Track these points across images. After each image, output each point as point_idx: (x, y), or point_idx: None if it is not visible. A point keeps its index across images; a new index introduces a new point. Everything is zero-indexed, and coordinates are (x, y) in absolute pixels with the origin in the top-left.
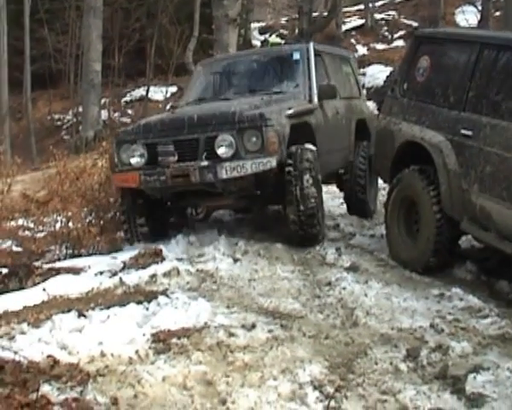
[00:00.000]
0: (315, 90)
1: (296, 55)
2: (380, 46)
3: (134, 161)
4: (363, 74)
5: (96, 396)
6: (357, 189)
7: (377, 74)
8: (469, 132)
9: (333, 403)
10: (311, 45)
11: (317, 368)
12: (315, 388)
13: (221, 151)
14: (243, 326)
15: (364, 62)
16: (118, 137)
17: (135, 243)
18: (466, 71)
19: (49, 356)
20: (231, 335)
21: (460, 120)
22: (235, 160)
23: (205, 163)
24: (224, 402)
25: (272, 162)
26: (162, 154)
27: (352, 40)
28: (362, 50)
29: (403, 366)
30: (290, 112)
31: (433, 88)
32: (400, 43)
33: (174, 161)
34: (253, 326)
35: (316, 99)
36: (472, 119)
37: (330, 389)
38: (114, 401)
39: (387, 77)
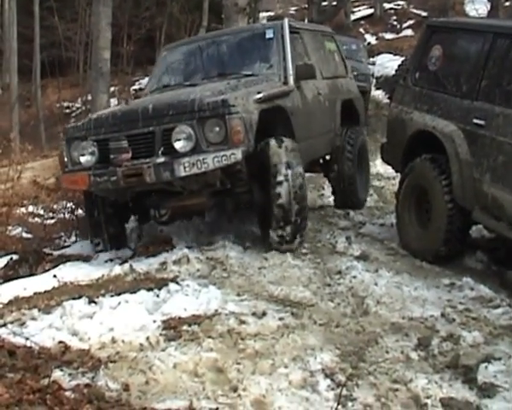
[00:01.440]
0: (291, 71)
1: (269, 34)
2: (389, 36)
3: (84, 159)
4: (373, 63)
5: (107, 382)
6: (345, 177)
7: (386, 63)
8: (482, 122)
9: (344, 391)
10: (286, 22)
11: (328, 356)
12: (326, 376)
13: (179, 145)
14: (254, 314)
15: (373, 52)
16: (67, 134)
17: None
18: (479, 60)
19: (60, 342)
20: (242, 322)
21: (472, 110)
22: (195, 154)
23: (161, 160)
24: (235, 389)
25: (237, 155)
26: (114, 151)
27: (361, 29)
28: (371, 40)
29: (414, 355)
30: (259, 96)
31: (446, 77)
32: (409, 32)
33: (128, 158)
34: (264, 314)
35: (292, 81)
36: (484, 108)
37: (341, 378)
38: (126, 388)
39: (399, 66)
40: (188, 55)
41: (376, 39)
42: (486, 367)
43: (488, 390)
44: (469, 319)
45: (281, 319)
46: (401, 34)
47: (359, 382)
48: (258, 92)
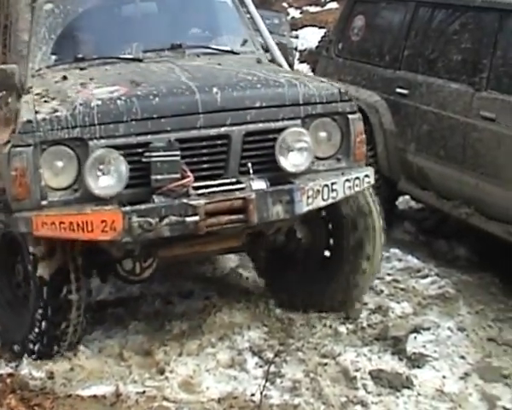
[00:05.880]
0: (277, 52)
1: None
2: (313, 9)
3: (105, 184)
4: (296, 37)
5: (31, 371)
6: None
7: (310, 37)
8: (405, 91)
9: (272, 368)
10: None
11: (256, 334)
12: (254, 353)
13: (294, 160)
14: (180, 294)
15: (297, 25)
16: (39, 133)
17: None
18: (401, 29)
19: None
20: (168, 303)
21: (395, 79)
22: (313, 175)
23: (261, 185)
24: (162, 372)
25: (371, 178)
26: (160, 168)
27: (285, 4)
28: (294, 13)
29: (342, 329)
30: None
31: (369, 47)
32: (334, 5)
33: (191, 182)
34: (190, 294)
35: (286, 65)
36: (407, 77)
37: (270, 355)
38: (50, 375)
39: (322, 37)
40: (93, 12)
41: (300, 13)
42: (415, 338)
43: (417, 360)
44: (398, 290)
45: (207, 298)
46: (326, 7)
47: (288, 358)
48: (322, 81)
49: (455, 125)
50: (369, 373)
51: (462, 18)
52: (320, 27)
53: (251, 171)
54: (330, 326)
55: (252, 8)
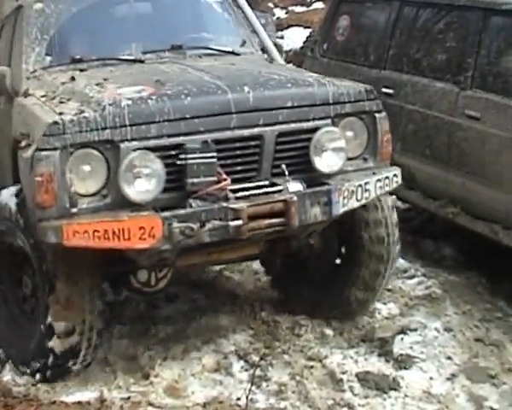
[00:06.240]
0: (275, 52)
1: None
2: (299, 9)
3: (142, 188)
4: (282, 37)
5: (14, 377)
6: None
7: (295, 37)
8: (390, 91)
9: (258, 372)
10: None
11: (242, 337)
12: (240, 357)
13: (329, 161)
14: (165, 297)
15: (283, 25)
16: (65, 134)
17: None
18: (386, 29)
19: None
20: (153, 306)
21: (381, 79)
22: (344, 175)
23: (299, 187)
24: (147, 377)
25: (399, 177)
26: (196, 170)
27: (270, 4)
28: (280, 14)
29: (329, 331)
30: None
31: (354, 47)
32: (320, 5)
33: (228, 185)
34: (176, 297)
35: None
36: (393, 77)
37: (255, 358)
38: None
39: (307, 38)
40: (87, 12)
41: (286, 13)
42: (402, 339)
43: (404, 362)
44: (384, 290)
45: (193, 301)
46: (311, 7)
47: (273, 361)
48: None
49: (440, 125)
50: (356, 375)
51: (446, 17)
52: (305, 27)
53: (286, 172)
54: (316, 329)
55: (247, 8)
